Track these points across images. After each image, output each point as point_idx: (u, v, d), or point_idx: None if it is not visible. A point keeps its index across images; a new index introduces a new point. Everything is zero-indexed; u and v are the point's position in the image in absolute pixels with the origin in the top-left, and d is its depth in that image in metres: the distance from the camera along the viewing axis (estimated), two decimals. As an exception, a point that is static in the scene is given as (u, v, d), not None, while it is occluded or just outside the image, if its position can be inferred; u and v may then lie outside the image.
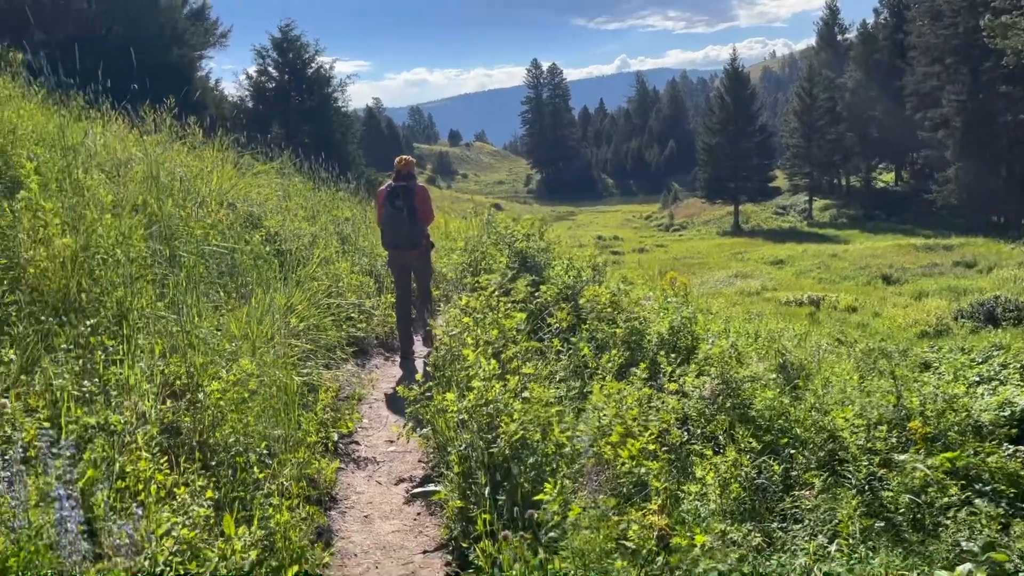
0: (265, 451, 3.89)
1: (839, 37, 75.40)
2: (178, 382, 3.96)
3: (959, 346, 16.70)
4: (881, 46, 67.97)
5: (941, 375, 10.47)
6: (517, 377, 4.34)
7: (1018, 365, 13.24)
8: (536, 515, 3.16)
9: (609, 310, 7.36)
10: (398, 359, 7.02)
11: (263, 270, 6.14)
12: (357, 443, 5.14)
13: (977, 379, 12.69)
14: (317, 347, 5.72)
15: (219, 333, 4.75)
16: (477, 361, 4.38)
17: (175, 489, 3.18)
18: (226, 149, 9.72)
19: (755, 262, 46.48)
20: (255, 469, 3.61)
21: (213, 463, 3.58)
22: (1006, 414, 8.62)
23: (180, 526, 2.90)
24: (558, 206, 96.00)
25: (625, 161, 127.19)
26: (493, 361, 4.36)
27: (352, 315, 6.85)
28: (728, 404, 6.09)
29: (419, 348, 7.43)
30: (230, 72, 52.04)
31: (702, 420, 5.96)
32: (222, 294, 5.54)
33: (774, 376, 7.53)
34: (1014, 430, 8.06)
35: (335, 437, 4.89)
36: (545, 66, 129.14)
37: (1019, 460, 7.26)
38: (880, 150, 68.84)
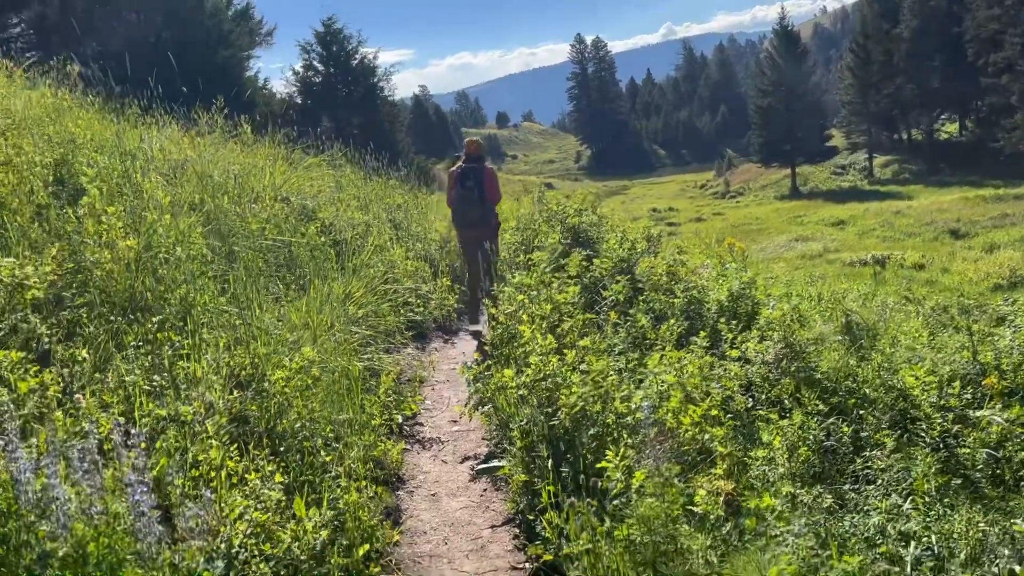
0: (331, 435, 3.97)
1: (893, -15, 72.64)
2: (243, 372, 4.06)
3: (1036, 298, 16.08)
4: (939, -9, 65.33)
5: (1018, 328, 10.11)
6: (574, 351, 4.33)
7: (1099, 313, 12.67)
8: (600, 483, 3.16)
9: (666, 280, 7.28)
10: (457, 341, 7.09)
11: (320, 260, 6.25)
12: (421, 424, 5.20)
13: (1058, 330, 12.17)
14: (376, 333, 5.80)
15: (280, 324, 4.85)
16: (533, 337, 4.38)
17: (246, 475, 3.27)
18: (277, 145, 9.89)
19: (815, 224, 45.43)
20: (322, 453, 3.69)
21: (281, 449, 3.67)
22: (1091, 365, 8.26)
23: (252, 509, 2.98)
24: (610, 181, 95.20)
25: (676, 131, 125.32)
26: (549, 336, 4.36)
27: (409, 300, 6.93)
28: (792, 368, 5.98)
29: (483, 328, 7.48)
30: (277, 70, 53.23)
31: (766, 385, 5.87)
32: (281, 286, 5.65)
33: (839, 337, 7.37)
34: (1099, 381, 7.73)
35: (399, 419, 4.96)
36: (589, 40, 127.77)
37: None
38: (941, 100, 66.28)
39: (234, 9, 30.20)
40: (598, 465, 3.29)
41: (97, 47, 18.06)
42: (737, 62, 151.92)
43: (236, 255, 5.53)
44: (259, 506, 3.05)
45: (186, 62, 9.95)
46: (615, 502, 3.10)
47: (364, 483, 3.83)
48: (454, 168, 8.10)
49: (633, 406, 3.77)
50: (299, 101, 31.16)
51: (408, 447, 4.81)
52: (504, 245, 8.37)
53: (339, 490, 3.49)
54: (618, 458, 3.18)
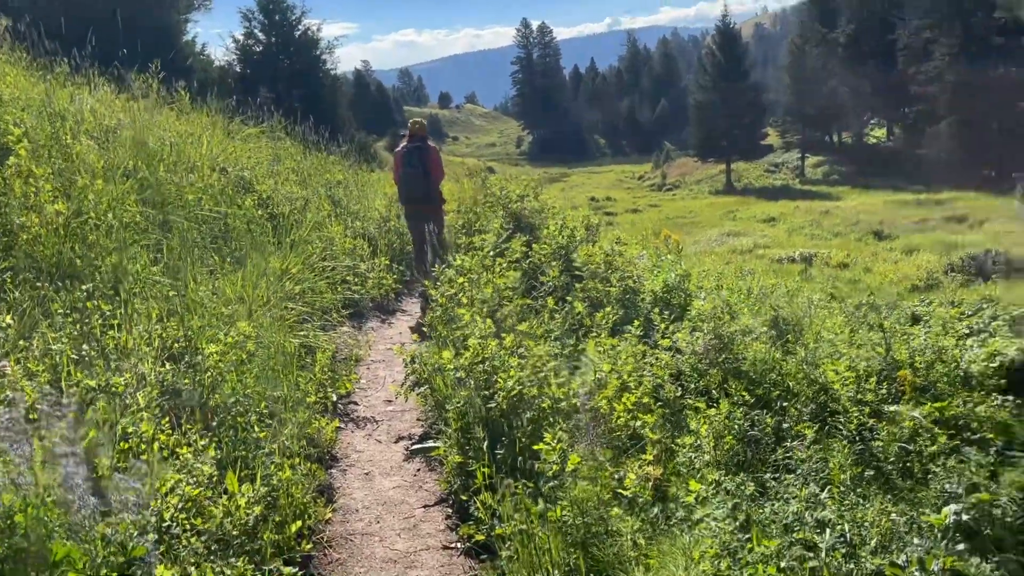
0: (265, 411, 3.93)
1: (831, -9, 74.52)
2: (176, 345, 3.99)
3: (949, 300, 16.86)
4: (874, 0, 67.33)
5: (931, 328, 10.60)
6: (512, 335, 4.38)
7: (1007, 317, 13.41)
8: (536, 466, 3.23)
9: (603, 269, 7.40)
10: (394, 321, 7.07)
11: (256, 234, 6.14)
12: (356, 403, 5.19)
13: (967, 331, 12.84)
14: (313, 310, 5.74)
15: (215, 297, 4.76)
16: (473, 320, 4.41)
17: (178, 449, 3.23)
18: (215, 113, 9.63)
19: (747, 220, 46.52)
20: (256, 429, 3.66)
21: (214, 424, 3.63)
22: (995, 365, 8.75)
23: (184, 484, 2.95)
24: (550, 167, 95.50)
25: (617, 121, 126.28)
26: (488, 320, 4.39)
27: (347, 278, 6.87)
28: (721, 359, 6.16)
29: (417, 310, 7.49)
30: (216, 36, 51.60)
31: (695, 375, 6.03)
32: (216, 259, 5.54)
33: (766, 331, 7.61)
34: (1003, 381, 8.19)
35: (334, 397, 4.94)
36: (535, 25, 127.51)
37: (1008, 410, 7.40)
38: (872, 105, 68.50)
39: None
40: (534, 447, 3.35)
41: (29, 1, 17.20)
42: (680, 56, 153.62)
43: (171, 225, 5.40)
44: (191, 480, 3.01)
45: (121, 22, 9.58)
46: (550, 484, 3.17)
47: (298, 460, 3.82)
48: (399, 148, 8.38)
49: (570, 392, 3.85)
50: (238, 70, 30.21)
51: (342, 425, 4.80)
52: (445, 228, 8.39)
53: (273, 467, 3.47)
54: (554, 441, 3.25)
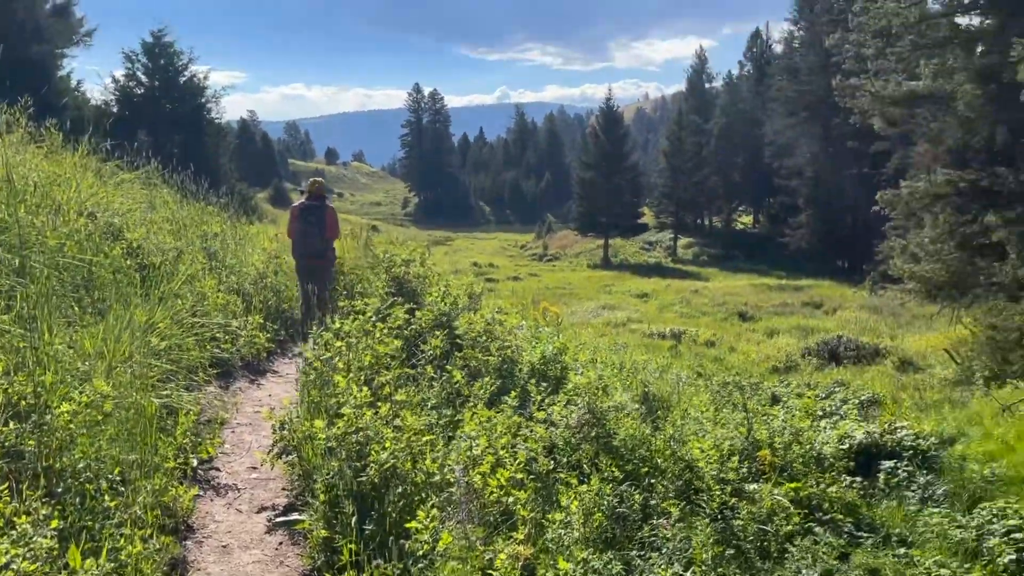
0: (118, 477, 3.67)
1: (707, 85, 79.80)
2: (23, 402, 3.69)
3: (805, 382, 17.91)
4: (744, 97, 72.44)
5: (789, 409, 11.20)
6: (389, 404, 4.31)
7: (856, 401, 14.37)
8: (407, 545, 3.15)
9: (484, 338, 7.45)
10: (264, 382, 6.83)
11: (123, 285, 5.82)
12: (218, 469, 4.93)
13: (821, 413, 13.65)
14: (178, 368, 5.46)
15: (72, 351, 4.47)
16: (348, 387, 4.32)
17: (15, 518, 2.96)
18: (88, 155, 9.19)
19: (622, 294, 48.03)
20: (106, 497, 3.41)
21: (59, 490, 3.35)
22: (845, 447, 9.32)
23: (21, 559, 2.70)
24: (435, 230, 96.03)
25: (503, 190, 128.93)
26: (365, 388, 4.31)
27: (217, 335, 6.59)
28: (593, 434, 6.27)
29: (291, 370, 7.26)
30: (94, 73, 49.27)
31: (568, 449, 6.11)
32: (77, 309, 5.21)
33: (637, 407, 7.83)
34: (852, 462, 8.72)
35: (194, 463, 4.68)
36: (427, 91, 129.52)
37: (856, 491, 7.86)
38: (740, 194, 73.18)
39: (52, 3, 27.98)
40: (406, 525, 3.28)
41: None
42: (564, 133, 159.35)
43: (29, 271, 5.06)
44: (28, 555, 2.76)
45: None
46: (419, 565, 3.10)
47: (150, 532, 3.58)
48: (297, 204, 8.91)
49: (445, 467, 3.81)
50: (116, 111, 28.95)
51: (202, 493, 4.54)
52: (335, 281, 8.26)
53: (122, 539, 3.24)
54: (427, 519, 3.19)
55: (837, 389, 16.50)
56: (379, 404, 4.37)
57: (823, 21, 59.28)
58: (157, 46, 30.33)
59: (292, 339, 8.28)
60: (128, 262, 6.35)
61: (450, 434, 5.05)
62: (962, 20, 9.46)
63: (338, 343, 5.09)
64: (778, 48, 73.72)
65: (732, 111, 71.21)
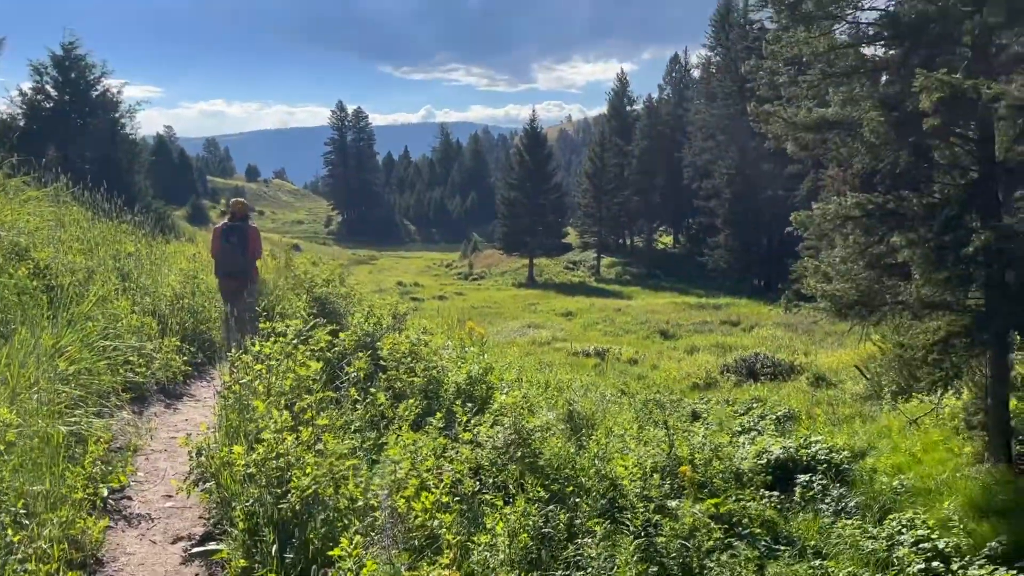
0: (22, 510, 3.49)
1: (628, 108, 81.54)
2: (-84, 434, 3.48)
3: (724, 399, 18.36)
4: (664, 120, 74.33)
5: (709, 425, 11.47)
6: (311, 428, 4.23)
7: (773, 417, 14.80)
8: (330, 573, 3.09)
9: (408, 360, 7.40)
10: (180, 407, 6.60)
11: (29, 307, 5.56)
12: (130, 498, 4.73)
13: (739, 429, 14.03)
14: (88, 393, 5.23)
15: (-30, 377, 4.24)
16: (268, 412, 4.22)
17: (-94, 558, 2.78)
18: (-9, 169, 8.78)
19: (547, 313, 48.38)
20: (9, 531, 3.23)
21: (-43, 526, 3.17)
22: (763, 462, 9.58)
23: (-89, 601, 2.54)
24: (359, 249, 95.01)
25: (428, 209, 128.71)
26: (286, 413, 4.22)
27: (131, 359, 6.34)
28: (519, 454, 6.28)
29: (209, 394, 7.04)
30: (0, 86, 46.90)
31: (494, 469, 6.10)
32: (-24, 332, 4.95)
33: (562, 427, 7.89)
34: (769, 477, 8.97)
35: (104, 492, 4.48)
36: (351, 109, 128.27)
37: (773, 506, 8.08)
38: (661, 214, 74.88)
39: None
40: (328, 553, 3.21)
41: None
42: (489, 152, 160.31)
43: (-78, 292, 4.79)
44: (-80, 596, 2.60)
45: None
46: (343, 593, 3.04)
47: (56, 566, 3.41)
48: (219, 224, 9.21)
49: (368, 492, 3.75)
50: (23, 125, 27.60)
51: (112, 524, 4.35)
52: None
53: (26, 575, 3.07)
54: (351, 546, 3.14)
55: (755, 405, 16.97)
56: (300, 428, 4.27)
57: (738, 48, 61.56)
58: (68, 59, 28.85)
59: (210, 362, 8.04)
60: (34, 283, 6.07)
61: (374, 458, 4.99)
62: (868, 50, 9.93)
63: (258, 366, 4.97)
64: (696, 73, 76.07)
65: (652, 133, 72.95)
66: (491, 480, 6.03)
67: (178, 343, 7.29)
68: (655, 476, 7.28)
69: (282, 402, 4.72)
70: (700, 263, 64.57)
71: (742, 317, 42.78)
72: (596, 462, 6.89)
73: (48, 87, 28.87)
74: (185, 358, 7.32)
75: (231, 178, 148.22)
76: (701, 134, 65.45)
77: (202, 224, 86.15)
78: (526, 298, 56.97)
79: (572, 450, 6.83)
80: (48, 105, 28.90)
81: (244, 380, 4.99)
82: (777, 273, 58.94)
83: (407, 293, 55.37)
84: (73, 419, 4.72)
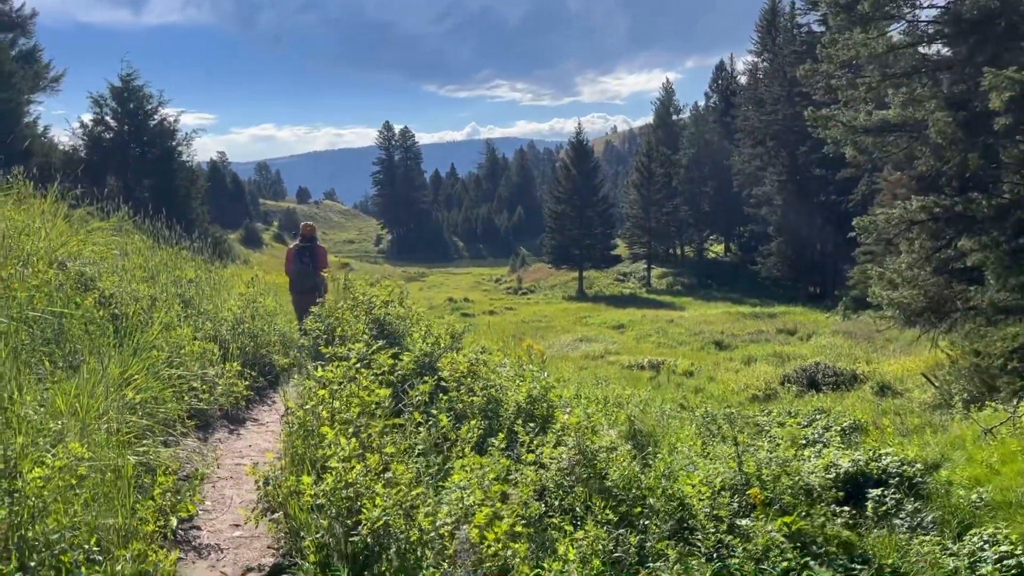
0: (95, 547, 3.47)
1: (674, 116, 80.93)
2: (-8, 468, 3.50)
3: (786, 410, 17.91)
4: (711, 127, 73.53)
5: (774, 439, 11.14)
6: (378, 455, 4.15)
7: (838, 428, 14.35)
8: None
9: (468, 379, 7.33)
10: (243, 432, 6.62)
11: (96, 337, 5.63)
12: (198, 528, 4.72)
13: (804, 441, 13.64)
14: (155, 422, 5.26)
15: (43, 410, 4.27)
16: (336, 440, 4.15)
17: (-15, 597, 2.77)
18: (56, 202, 8.99)
19: (598, 326, 48.03)
20: (83, 569, 3.21)
21: (33, 563, 3.16)
22: (832, 476, 9.24)
23: (-9, 644, 2.51)
24: (409, 267, 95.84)
25: (475, 225, 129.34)
26: (353, 440, 4.15)
27: (194, 384, 6.39)
28: (585, 475, 6.14)
29: (272, 418, 7.07)
30: (62, 118, 48.32)
31: (560, 492, 5.97)
32: (48, 364, 5.01)
33: (626, 445, 7.72)
34: (840, 492, 8.64)
35: (174, 523, 4.47)
36: (397, 128, 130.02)
37: (843, 523, 7.76)
38: (711, 223, 73.93)
39: (19, 49, 27.73)
40: (403, 588, 3.13)
41: None
42: (535, 166, 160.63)
43: (-6, 326, 4.86)
44: (-1, 638, 2.57)
45: None
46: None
47: (130, 602, 3.38)
48: (292, 246, 10.33)
49: (438, 522, 3.65)
50: (84, 156, 28.38)
51: (183, 556, 4.33)
52: (304, 331, 8.16)
53: (101, 614, 3.04)
54: (427, 582, 3.04)
55: (818, 416, 16.53)
56: (367, 455, 4.20)
57: (786, 52, 60.64)
58: (126, 90, 29.95)
59: (271, 386, 8.08)
60: (100, 312, 6.15)
61: (440, 483, 4.90)
62: (928, 49, 9.59)
63: (321, 391, 4.93)
64: (743, 79, 75.18)
65: (700, 142, 72.23)
66: (557, 502, 5.91)
67: (239, 368, 7.33)
68: (724, 494, 7.07)
69: (348, 429, 4.66)
70: (752, 272, 63.56)
71: (798, 325, 41.88)
72: (663, 481, 6.71)
73: (108, 118, 29.75)
74: (247, 383, 7.35)
75: (283, 200, 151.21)
76: (750, 140, 64.52)
77: (256, 247, 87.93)
78: (576, 311, 56.66)
79: (637, 469, 6.66)
80: (108, 136, 29.88)
81: (308, 406, 4.95)
82: (832, 280, 57.67)
83: (458, 309, 55.55)
84: (142, 449, 4.74)
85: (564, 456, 6.25)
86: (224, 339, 7.82)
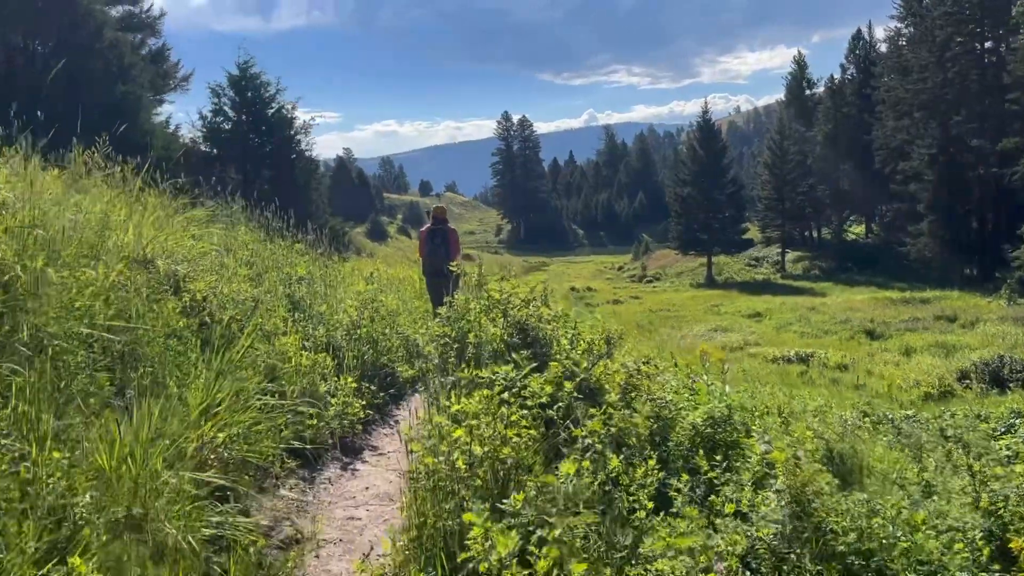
0: None
1: (807, 91, 76.04)
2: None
3: (974, 412, 15.38)
4: (849, 101, 68.59)
5: (1006, 459, 9.08)
6: (548, 562, 2.71)
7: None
8: None
9: (631, 394, 5.90)
10: (360, 467, 5.35)
11: (176, 354, 4.49)
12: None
13: (1008, 454, 11.42)
14: (242, 466, 4.05)
15: (77, 459, 3.08)
16: (488, 538, 2.73)
17: None
18: (164, 194, 8.12)
19: (732, 315, 45.40)
20: None
21: None
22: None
23: None
24: (529, 256, 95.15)
25: (595, 212, 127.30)
26: (513, 535, 2.72)
27: (300, 408, 5.18)
28: (805, 534, 4.54)
29: (395, 445, 5.81)
30: (191, 118, 49.80)
31: (774, 559, 4.41)
32: (110, 389, 3.88)
33: (828, 475, 6.02)
34: None
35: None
36: (515, 119, 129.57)
37: None
38: (850, 203, 68.97)
39: (149, 49, 28.19)
40: None
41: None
42: (655, 151, 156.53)
43: (43, 344, 3.76)
44: None
45: (75, 95, 8.14)
46: None
47: None
48: (424, 228, 10.22)
49: None
50: (204, 149, 28.16)
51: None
52: (429, 337, 6.76)
53: None
54: None
55: (1016, 421, 14.05)
56: (530, 554, 2.78)
57: (935, 15, 55.41)
58: (243, 78, 29.42)
59: (394, 401, 6.83)
60: (186, 321, 5.02)
61: (619, 558, 3.44)
62: None
63: (457, 431, 3.55)
64: (882, 48, 69.62)
65: (837, 116, 67.41)
66: (764, 569, 4.39)
67: (355, 383, 6.09)
68: (982, 550, 5.30)
69: (494, 485, 3.26)
70: (898, 253, 58.95)
71: (958, 312, 37.95)
72: (897, 535, 4.99)
73: (227, 108, 29.59)
74: (364, 401, 6.11)
75: (406, 194, 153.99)
76: (894, 113, 59.58)
77: (381, 240, 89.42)
78: (707, 299, 53.97)
79: (862, 511, 4.97)
80: (227, 127, 29.62)
81: (440, 449, 3.57)
82: (992, 261, 52.42)
83: (580, 298, 54.00)
84: (219, 512, 3.50)
85: (773, 505, 4.68)
86: (339, 345, 6.61)
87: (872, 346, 31.56)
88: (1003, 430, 13.41)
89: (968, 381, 20.07)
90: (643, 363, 6.44)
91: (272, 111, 28.92)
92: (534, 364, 5.15)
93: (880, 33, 70.28)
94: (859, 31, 73.19)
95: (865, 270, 60.61)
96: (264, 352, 5.27)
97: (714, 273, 64.73)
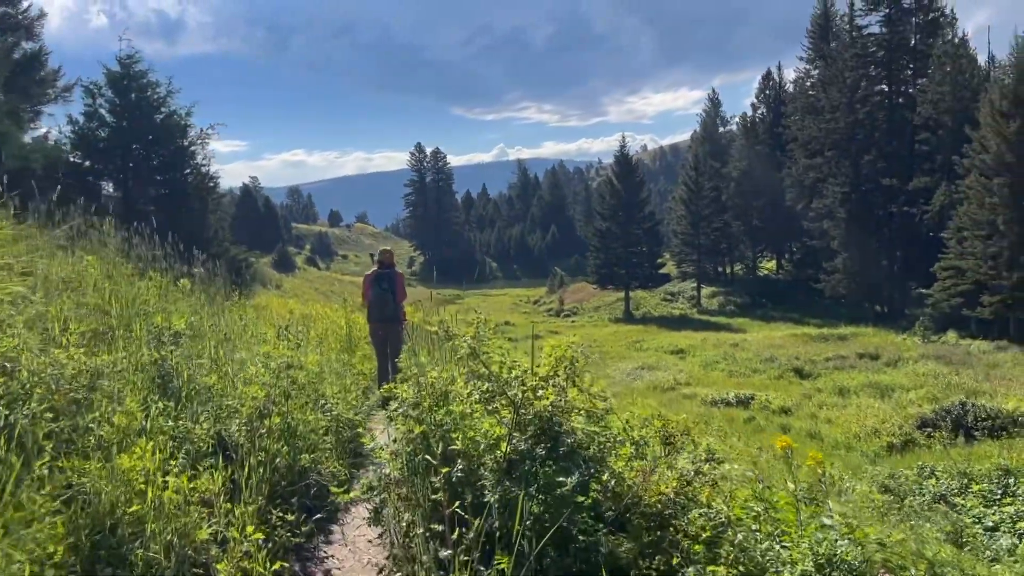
0: None
1: (720, 129, 76.89)
2: None
3: (957, 469, 13.83)
4: (761, 139, 69.49)
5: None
6: None
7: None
8: None
9: (678, 508, 3.77)
10: None
11: None
12: None
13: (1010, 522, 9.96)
14: None
15: None
16: None
17: None
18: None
19: (655, 351, 44.14)
20: None
21: None
22: None
23: None
24: (443, 289, 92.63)
25: (508, 245, 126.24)
26: None
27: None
28: None
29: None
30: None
31: None
32: None
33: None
34: None
35: None
36: (428, 150, 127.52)
37: None
38: (763, 239, 69.54)
39: (22, 53, 24.59)
40: None
41: None
42: (566, 186, 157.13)
43: None
44: None
45: None
46: None
47: None
48: (370, 272, 9.66)
49: None
50: (73, 159, 22.87)
51: None
52: (385, 448, 4.31)
53: None
54: None
55: (1011, 482, 12.58)
56: None
57: (845, 57, 56.47)
58: (126, 76, 23.71)
59: (322, 530, 4.30)
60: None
61: None
62: None
63: None
64: (791, 89, 71.07)
65: (749, 154, 68.11)
66: None
67: (256, 510, 3.65)
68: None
69: None
70: (810, 289, 59.50)
71: (878, 349, 37.66)
72: None
73: (103, 111, 23.80)
74: (276, 540, 3.68)
75: (314, 224, 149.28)
76: (805, 151, 60.34)
77: (288, 271, 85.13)
78: (627, 335, 52.64)
79: None
80: (103, 133, 23.93)
81: None
82: (902, 298, 53.22)
83: (499, 333, 51.86)
84: None
85: None
86: (236, 444, 4.13)
87: (805, 386, 30.49)
88: (999, 493, 11.91)
89: (928, 428, 18.81)
90: (704, 462, 4.28)
91: (161, 117, 24.11)
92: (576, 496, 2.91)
93: (790, 74, 71.71)
94: (769, 72, 74.71)
95: (779, 305, 60.88)
96: (90, 481, 2.84)
97: (632, 308, 63.80)
